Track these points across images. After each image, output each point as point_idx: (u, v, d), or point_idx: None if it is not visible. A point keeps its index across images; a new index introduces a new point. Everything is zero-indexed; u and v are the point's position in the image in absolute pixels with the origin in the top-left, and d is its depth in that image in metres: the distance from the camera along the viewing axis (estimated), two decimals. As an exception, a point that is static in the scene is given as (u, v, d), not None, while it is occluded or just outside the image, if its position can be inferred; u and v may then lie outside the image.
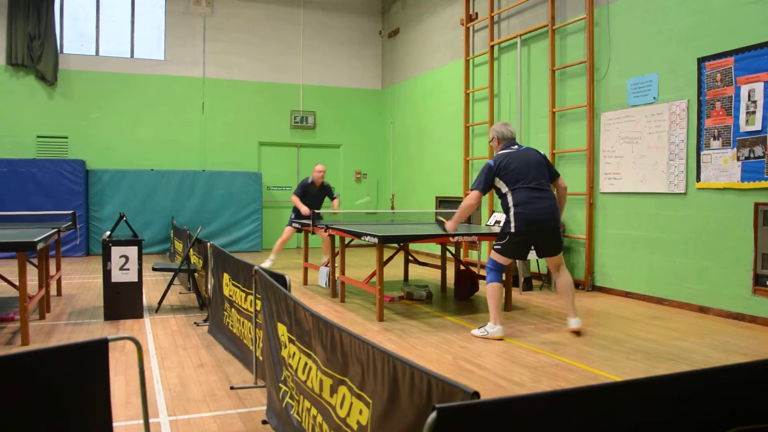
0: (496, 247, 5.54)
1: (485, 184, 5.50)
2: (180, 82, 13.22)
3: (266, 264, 9.57)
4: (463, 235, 6.44)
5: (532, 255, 7.70)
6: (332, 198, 10.03)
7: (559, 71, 8.70)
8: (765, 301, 5.98)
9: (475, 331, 5.58)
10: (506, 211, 5.46)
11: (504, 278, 5.84)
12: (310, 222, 8.06)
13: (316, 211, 9.38)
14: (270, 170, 13.99)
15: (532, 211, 5.32)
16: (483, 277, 7.70)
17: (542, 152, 5.67)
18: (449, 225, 5.80)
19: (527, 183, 5.38)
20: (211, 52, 13.43)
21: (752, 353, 5.01)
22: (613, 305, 7.08)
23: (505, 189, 5.44)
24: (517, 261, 7.90)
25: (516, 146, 5.65)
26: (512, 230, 5.37)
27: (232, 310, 4.89)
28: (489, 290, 5.49)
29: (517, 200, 5.35)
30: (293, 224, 9.71)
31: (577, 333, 5.58)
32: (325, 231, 7.48)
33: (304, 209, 9.50)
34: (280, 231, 13.93)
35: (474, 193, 5.52)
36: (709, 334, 5.67)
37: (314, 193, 9.89)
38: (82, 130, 12.52)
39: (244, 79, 13.71)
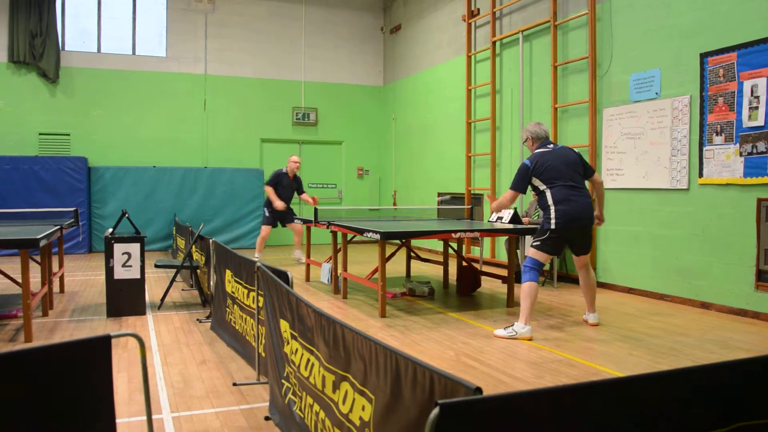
0: (535, 243, 5.54)
1: (523, 184, 5.58)
2: (182, 78, 13.21)
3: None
4: (465, 231, 6.44)
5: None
6: (300, 192, 10.38)
7: (561, 67, 8.68)
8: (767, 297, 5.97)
9: (500, 332, 5.38)
10: (545, 208, 5.48)
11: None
12: (315, 219, 8.05)
13: (287, 206, 9.96)
14: (272, 167, 13.89)
15: (572, 208, 5.37)
16: (485, 273, 7.73)
17: (577, 150, 5.72)
18: (493, 205, 5.91)
19: (565, 181, 5.43)
20: (213, 49, 13.42)
21: (755, 349, 5.00)
22: (616, 301, 7.08)
23: (543, 187, 5.48)
24: (519, 257, 7.90)
25: (551, 145, 5.70)
26: (552, 227, 5.40)
27: (235, 306, 4.89)
28: (525, 289, 5.41)
29: (557, 198, 5.40)
30: (266, 218, 10.28)
31: (596, 326, 5.74)
32: (327, 227, 7.46)
33: (278, 204, 9.93)
34: (282, 228, 13.99)
35: (510, 193, 5.60)
36: (711, 330, 5.66)
37: (287, 183, 10.23)
38: (84, 128, 12.52)
39: (246, 76, 13.70)
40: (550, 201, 5.42)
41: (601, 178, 5.86)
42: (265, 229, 10.37)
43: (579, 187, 5.49)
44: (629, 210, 7.61)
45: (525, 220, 8.17)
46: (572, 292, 7.59)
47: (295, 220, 10.15)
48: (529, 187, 5.65)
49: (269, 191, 10.10)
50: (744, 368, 1.64)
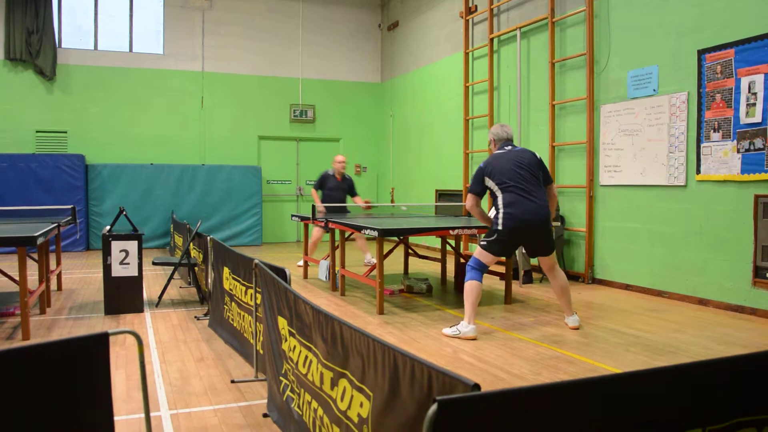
0: (482, 243, 5.48)
1: (477, 186, 5.52)
2: (179, 76, 13.19)
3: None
4: (462, 228, 6.44)
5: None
6: (353, 195, 9.69)
7: (559, 63, 8.68)
8: (765, 293, 5.98)
9: (446, 330, 5.41)
10: (497, 210, 5.45)
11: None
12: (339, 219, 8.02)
13: (339, 204, 9.14)
14: (270, 164, 13.98)
15: (520, 211, 5.28)
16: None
17: (538, 156, 5.60)
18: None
19: (516, 183, 5.33)
20: (210, 46, 13.40)
21: (752, 345, 5.01)
22: (613, 298, 7.09)
23: (495, 188, 5.41)
24: (517, 254, 7.90)
25: (510, 146, 5.61)
26: (499, 227, 5.34)
27: (233, 303, 4.89)
28: (467, 288, 5.37)
29: (506, 200, 5.33)
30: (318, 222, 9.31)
31: (576, 329, 5.54)
32: (325, 225, 7.46)
33: (319, 206, 8.87)
34: (280, 225, 14.01)
35: (469, 197, 5.55)
36: (709, 326, 5.67)
37: (334, 185, 9.50)
38: (82, 125, 12.50)
39: (244, 73, 13.68)
40: (500, 203, 5.37)
41: (555, 192, 5.69)
42: (315, 232, 9.39)
43: (530, 189, 5.34)
44: (627, 207, 7.62)
45: None
46: (571, 290, 7.59)
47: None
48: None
49: (312, 193, 9.60)
50: (741, 364, 1.64)
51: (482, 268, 5.45)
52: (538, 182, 5.45)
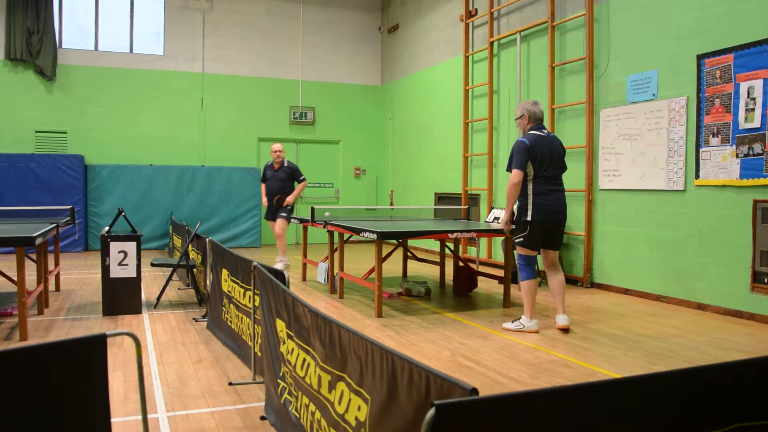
0: (518, 240, 5.47)
1: (525, 161, 5.31)
2: (179, 77, 13.19)
3: (279, 266, 9.21)
4: (462, 231, 6.44)
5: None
6: (299, 180, 9.46)
7: (559, 68, 8.69)
8: (763, 298, 5.98)
9: (508, 324, 5.57)
10: (523, 197, 5.38)
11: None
12: (306, 218, 8.03)
13: (278, 196, 9.16)
14: (269, 166, 13.96)
15: (552, 202, 5.32)
16: (482, 274, 7.73)
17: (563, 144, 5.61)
18: (503, 217, 5.66)
19: (548, 172, 5.34)
20: (210, 47, 13.41)
21: (750, 350, 5.01)
22: (612, 302, 7.09)
23: (529, 173, 5.33)
24: (515, 257, 7.90)
25: (545, 131, 5.54)
26: (529, 218, 5.33)
27: (231, 305, 4.88)
28: (524, 287, 5.47)
29: (537, 190, 5.32)
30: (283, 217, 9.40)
31: (565, 330, 5.55)
32: (324, 227, 7.46)
33: (263, 199, 9.35)
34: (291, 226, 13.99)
35: (515, 172, 5.32)
36: (707, 331, 5.67)
37: (271, 175, 9.42)
38: (81, 125, 12.50)
39: (244, 75, 13.69)
40: (530, 191, 5.34)
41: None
42: (275, 228, 9.49)
43: (559, 180, 5.44)
44: (626, 211, 7.62)
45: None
46: (569, 293, 7.60)
47: (281, 217, 9.32)
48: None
49: (261, 187, 9.69)
50: (739, 370, 1.64)
51: (532, 263, 5.49)
52: (562, 172, 5.49)
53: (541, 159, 5.34)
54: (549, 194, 5.34)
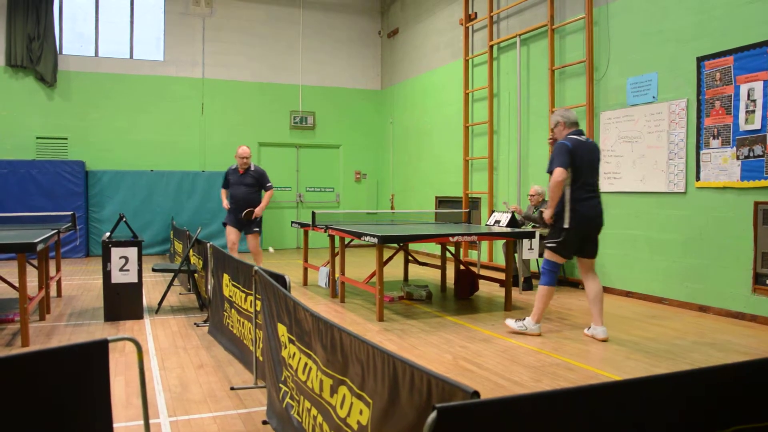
0: (550, 245, 5.37)
1: (568, 161, 5.18)
2: (179, 82, 13.22)
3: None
4: (462, 234, 6.44)
5: (531, 254, 7.71)
6: (265, 188, 8.25)
7: (559, 71, 8.70)
8: (765, 299, 5.98)
9: (511, 322, 5.56)
10: (560, 204, 5.26)
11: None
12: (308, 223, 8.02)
13: (248, 210, 7.98)
14: (270, 171, 13.84)
15: (587, 209, 5.23)
16: (483, 277, 7.73)
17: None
18: (547, 213, 5.41)
19: (586, 179, 5.25)
20: (211, 53, 13.43)
21: (752, 352, 5.01)
22: (613, 305, 7.08)
23: (567, 181, 5.22)
24: (517, 260, 7.90)
25: (584, 136, 5.42)
26: (566, 226, 5.22)
27: (232, 310, 4.88)
28: (541, 291, 5.40)
29: (575, 197, 5.21)
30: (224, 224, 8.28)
31: (605, 341, 5.37)
32: (325, 231, 7.46)
33: (224, 203, 8.18)
34: (280, 232, 14.01)
35: (559, 170, 5.16)
36: (709, 333, 5.67)
37: (236, 180, 8.16)
38: (82, 131, 12.52)
39: (244, 80, 13.71)
40: (567, 197, 5.23)
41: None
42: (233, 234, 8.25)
43: (596, 187, 5.36)
44: (627, 213, 7.62)
45: (514, 207, 8.13)
46: (570, 296, 7.60)
47: (254, 232, 8.17)
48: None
49: (222, 193, 8.36)
50: (741, 371, 1.64)
51: (556, 270, 5.42)
52: (598, 180, 5.43)
53: (580, 164, 5.23)
54: (586, 201, 5.23)
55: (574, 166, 5.21)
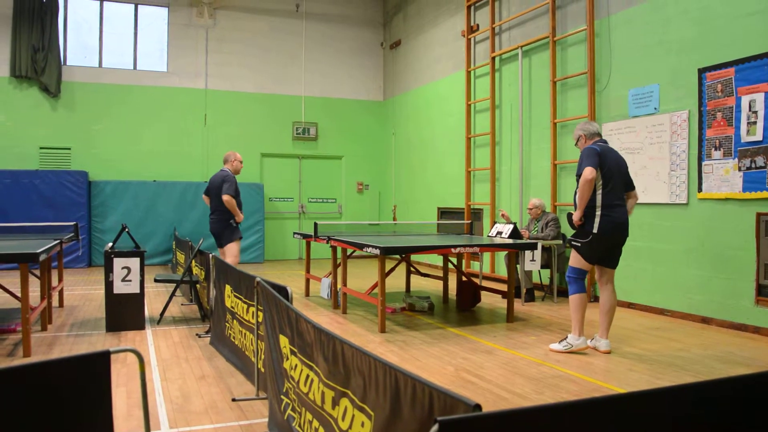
0: (575, 243, 5.29)
1: (597, 163, 5.13)
2: (182, 93, 13.27)
3: None
4: (464, 246, 6.44)
5: (534, 266, 7.70)
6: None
7: (560, 82, 8.72)
8: (768, 311, 5.96)
9: (555, 346, 5.39)
10: (589, 208, 5.19)
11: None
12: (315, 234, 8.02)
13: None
14: (272, 182, 14.02)
15: (618, 215, 5.19)
16: (485, 288, 7.72)
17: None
18: (576, 215, 5.32)
19: (615, 185, 5.21)
20: (214, 64, 13.50)
21: (755, 364, 4.99)
22: (616, 316, 7.04)
23: (597, 183, 5.17)
24: (519, 271, 7.89)
25: (607, 144, 5.41)
26: (595, 231, 5.16)
27: (234, 321, 4.88)
28: (573, 301, 5.31)
29: (605, 202, 5.16)
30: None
31: (608, 353, 5.36)
32: (327, 242, 7.46)
33: (240, 216, 7.51)
34: (282, 242, 14.01)
35: (589, 168, 5.09)
36: (712, 344, 5.64)
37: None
38: (85, 142, 12.56)
39: (246, 91, 13.77)
40: (597, 202, 5.17)
41: (637, 195, 5.57)
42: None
43: (623, 195, 5.31)
44: (629, 224, 7.59)
45: (523, 232, 8.17)
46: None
47: (232, 241, 7.45)
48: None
49: (232, 203, 7.52)
50: (745, 383, 1.64)
51: (583, 276, 5.35)
52: (627, 189, 5.38)
53: (609, 169, 5.19)
54: (615, 208, 5.18)
55: (603, 171, 5.17)
